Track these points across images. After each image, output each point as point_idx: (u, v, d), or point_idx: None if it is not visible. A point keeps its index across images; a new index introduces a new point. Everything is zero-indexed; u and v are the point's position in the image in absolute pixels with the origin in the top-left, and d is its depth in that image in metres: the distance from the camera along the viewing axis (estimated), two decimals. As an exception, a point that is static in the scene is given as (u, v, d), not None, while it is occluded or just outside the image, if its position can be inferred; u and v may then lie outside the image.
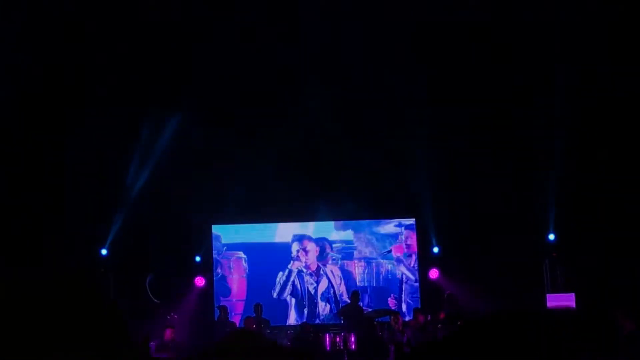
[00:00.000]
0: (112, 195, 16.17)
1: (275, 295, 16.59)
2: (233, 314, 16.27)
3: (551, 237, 16.24)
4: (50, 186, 15.83)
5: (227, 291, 16.76)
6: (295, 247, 16.74)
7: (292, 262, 16.70)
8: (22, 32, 14.02)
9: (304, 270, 16.68)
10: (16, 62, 14.07)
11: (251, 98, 15.54)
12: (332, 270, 16.71)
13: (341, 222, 16.84)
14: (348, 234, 16.86)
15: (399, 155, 16.20)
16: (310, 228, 16.85)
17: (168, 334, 14.06)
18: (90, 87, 15.10)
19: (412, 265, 16.75)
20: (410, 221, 16.81)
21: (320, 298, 16.59)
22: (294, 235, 16.78)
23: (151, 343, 14.03)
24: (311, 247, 16.73)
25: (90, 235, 16.08)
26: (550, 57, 14.88)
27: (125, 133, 15.89)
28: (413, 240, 16.78)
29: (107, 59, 14.70)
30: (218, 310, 15.85)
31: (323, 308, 16.58)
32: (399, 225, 16.80)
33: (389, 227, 16.84)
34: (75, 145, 15.40)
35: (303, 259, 16.69)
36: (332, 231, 16.87)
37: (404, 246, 16.78)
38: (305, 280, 16.63)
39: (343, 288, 16.55)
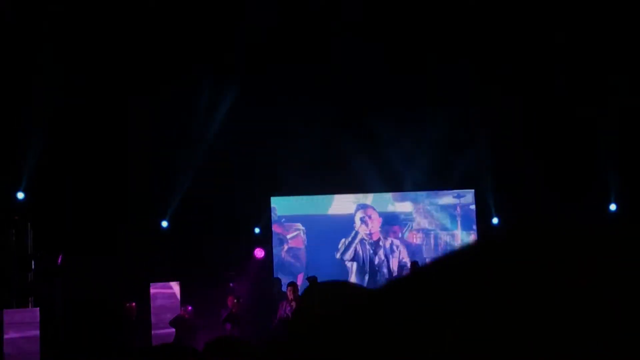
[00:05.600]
0: (173, 167, 16.35)
1: (338, 255, 16.61)
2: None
3: (612, 207, 16.10)
4: (112, 160, 16.06)
5: (286, 263, 16.85)
6: (359, 214, 16.78)
7: (360, 224, 16.74)
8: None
9: (366, 238, 16.70)
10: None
11: (308, 69, 15.64)
12: (392, 242, 16.70)
13: (399, 194, 16.83)
14: (406, 206, 16.84)
15: (459, 125, 16.19)
16: (369, 199, 16.89)
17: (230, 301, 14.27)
18: (148, 62, 15.37)
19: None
20: (469, 192, 16.75)
21: (377, 269, 16.58)
22: (358, 205, 16.81)
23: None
24: (375, 216, 16.75)
25: (152, 207, 16.28)
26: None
27: (186, 104, 16.09)
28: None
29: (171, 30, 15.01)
30: (276, 283, 15.98)
31: (381, 278, 16.56)
32: (457, 196, 16.74)
33: (447, 198, 16.80)
34: (137, 118, 15.62)
35: (370, 224, 16.68)
36: (390, 203, 16.88)
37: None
38: (367, 248, 16.64)
39: (404, 258, 16.48)
